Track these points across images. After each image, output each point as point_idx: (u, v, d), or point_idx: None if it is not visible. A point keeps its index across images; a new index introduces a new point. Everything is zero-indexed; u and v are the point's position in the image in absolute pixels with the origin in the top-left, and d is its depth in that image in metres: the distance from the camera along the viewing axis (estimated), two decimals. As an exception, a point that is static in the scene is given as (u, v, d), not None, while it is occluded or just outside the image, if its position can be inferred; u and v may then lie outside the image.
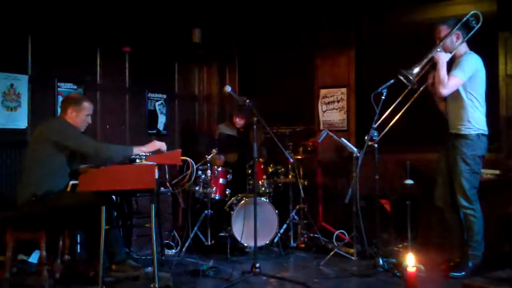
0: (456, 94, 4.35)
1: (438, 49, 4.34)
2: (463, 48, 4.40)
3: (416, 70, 4.30)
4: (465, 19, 4.34)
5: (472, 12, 4.36)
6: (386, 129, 4.61)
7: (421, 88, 4.51)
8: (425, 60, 4.32)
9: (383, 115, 4.61)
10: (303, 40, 6.60)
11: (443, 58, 4.30)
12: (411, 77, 4.30)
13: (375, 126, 4.58)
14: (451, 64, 4.37)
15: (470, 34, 4.36)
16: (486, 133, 4.37)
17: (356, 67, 6.22)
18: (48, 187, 4.13)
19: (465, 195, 4.30)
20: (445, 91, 4.29)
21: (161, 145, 4.32)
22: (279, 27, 6.80)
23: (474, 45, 4.44)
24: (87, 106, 4.39)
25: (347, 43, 6.25)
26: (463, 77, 4.27)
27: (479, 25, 4.34)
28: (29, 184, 4.12)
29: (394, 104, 4.59)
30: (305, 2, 6.50)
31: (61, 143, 4.13)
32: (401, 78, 4.35)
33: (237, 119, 5.90)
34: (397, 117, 4.59)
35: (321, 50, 6.41)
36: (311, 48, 6.50)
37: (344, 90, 6.25)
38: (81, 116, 4.34)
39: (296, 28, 6.66)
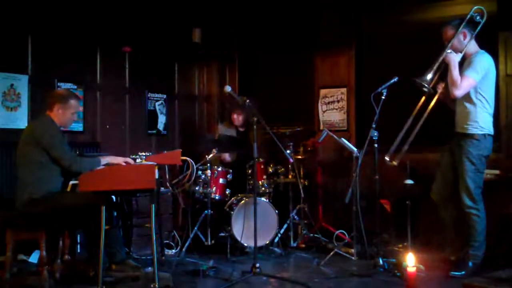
0: (465, 94, 4.33)
1: (448, 51, 4.32)
2: (473, 46, 4.38)
3: (429, 76, 4.27)
4: (468, 16, 4.32)
5: (475, 8, 4.34)
6: (411, 137, 4.49)
7: (439, 92, 4.48)
8: (437, 64, 4.29)
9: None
10: (303, 40, 6.60)
11: (454, 58, 4.28)
12: (425, 84, 4.27)
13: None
14: (463, 63, 4.35)
15: (477, 30, 4.34)
16: (492, 133, 4.37)
17: (356, 67, 6.22)
18: (46, 188, 4.13)
19: (470, 194, 4.30)
20: (458, 92, 4.27)
21: (124, 159, 4.25)
22: (279, 27, 6.80)
23: (474, 45, 4.44)
24: (73, 104, 4.38)
25: (347, 43, 6.25)
26: (476, 78, 4.25)
27: (484, 19, 4.32)
28: (27, 186, 4.12)
29: (414, 112, 4.53)
30: (305, 2, 6.51)
31: (45, 149, 4.13)
32: (422, 89, 4.33)
33: (235, 115, 5.90)
34: (418, 127, 4.49)
35: (321, 50, 6.42)
36: (311, 48, 6.50)
37: (344, 90, 6.25)
38: (67, 114, 4.33)
39: (296, 28, 6.67)
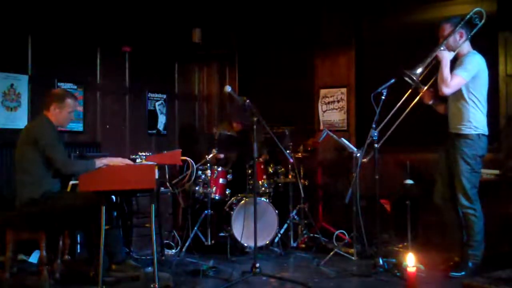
0: (457, 94, 4.34)
1: (442, 48, 4.32)
2: (466, 47, 4.39)
3: (419, 70, 4.28)
4: (468, 16, 4.32)
5: (475, 10, 4.34)
6: (390, 131, 4.55)
7: (425, 88, 4.50)
8: (429, 59, 4.30)
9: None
10: (303, 40, 6.60)
11: (446, 56, 4.28)
12: (414, 77, 4.28)
13: (375, 126, 4.58)
14: (454, 63, 4.36)
15: (473, 32, 4.35)
16: (486, 133, 4.37)
17: (356, 67, 6.22)
18: (45, 188, 4.13)
19: (466, 194, 4.30)
20: (447, 90, 4.28)
21: (121, 161, 4.24)
22: (279, 27, 6.80)
23: (474, 45, 4.43)
24: (70, 103, 4.35)
25: (347, 43, 6.25)
26: (466, 77, 4.26)
27: (482, 22, 4.32)
28: (26, 186, 4.11)
29: (398, 105, 4.56)
30: (305, 3, 6.51)
31: (41, 149, 4.12)
32: (406, 78, 4.34)
33: (235, 124, 5.96)
34: (401, 118, 4.53)
35: (321, 50, 6.42)
36: (311, 48, 6.51)
37: (344, 90, 6.25)
38: (64, 113, 4.32)
39: (296, 28, 6.67)
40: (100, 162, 4.14)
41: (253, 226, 4.45)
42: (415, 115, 4.61)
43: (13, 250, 4.08)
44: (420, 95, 4.55)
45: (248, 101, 4.54)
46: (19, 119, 5.16)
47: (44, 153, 4.10)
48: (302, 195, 5.63)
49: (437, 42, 4.40)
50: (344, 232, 5.58)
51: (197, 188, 5.39)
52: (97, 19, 5.84)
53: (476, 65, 4.30)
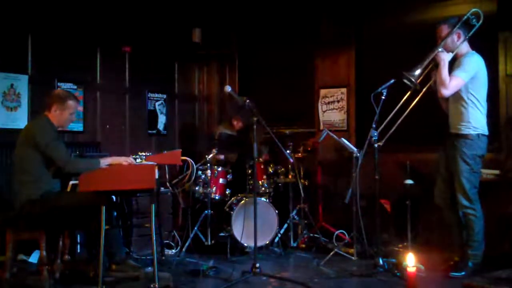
0: (457, 94, 4.34)
1: (440, 49, 4.32)
2: (465, 47, 4.39)
3: (418, 71, 4.28)
4: (465, 17, 4.33)
5: (472, 10, 4.34)
6: (390, 132, 4.54)
7: (424, 89, 4.50)
8: (427, 61, 4.30)
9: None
10: (303, 40, 6.60)
11: (444, 58, 4.28)
12: (413, 79, 4.28)
13: (375, 126, 4.58)
14: (453, 64, 4.36)
15: (471, 33, 4.35)
16: (486, 133, 4.37)
17: (356, 67, 6.22)
18: (44, 188, 4.13)
19: (466, 194, 4.30)
20: (446, 92, 4.28)
21: (125, 159, 4.23)
22: (279, 27, 6.80)
23: (474, 45, 4.44)
24: (71, 104, 4.35)
25: (347, 43, 6.25)
26: (464, 78, 4.26)
27: (479, 23, 4.32)
28: (25, 186, 4.11)
29: (398, 106, 4.56)
30: (305, 2, 6.51)
31: (40, 148, 4.13)
32: (404, 80, 4.34)
33: (235, 122, 5.95)
34: (401, 118, 4.54)
35: (321, 50, 6.42)
36: (311, 48, 6.50)
37: (344, 90, 6.25)
38: (65, 114, 4.32)
39: (296, 28, 6.67)
40: (105, 161, 4.16)
41: (253, 226, 4.45)
42: (415, 115, 4.61)
43: (13, 250, 4.08)
44: (424, 89, 4.50)
45: (248, 101, 4.54)
46: (19, 119, 5.16)
47: (45, 153, 4.10)
48: (302, 195, 5.63)
49: (436, 42, 4.40)
50: (344, 232, 5.58)
51: (197, 188, 5.39)
52: (97, 19, 5.84)
53: (474, 65, 4.31)
